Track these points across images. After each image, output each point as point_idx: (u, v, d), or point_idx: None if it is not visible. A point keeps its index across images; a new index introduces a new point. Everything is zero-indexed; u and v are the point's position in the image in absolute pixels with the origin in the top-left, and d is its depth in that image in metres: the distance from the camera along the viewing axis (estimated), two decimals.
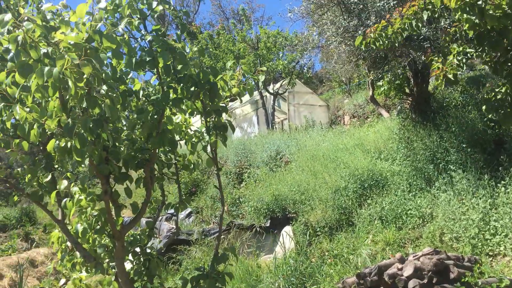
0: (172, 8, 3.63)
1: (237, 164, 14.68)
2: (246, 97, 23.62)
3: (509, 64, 4.59)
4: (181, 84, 3.42)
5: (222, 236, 10.13)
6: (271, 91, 21.02)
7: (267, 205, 10.85)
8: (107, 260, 4.02)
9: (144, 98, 3.65)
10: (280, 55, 21.40)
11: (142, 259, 4.16)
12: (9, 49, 2.67)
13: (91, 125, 2.75)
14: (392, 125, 11.48)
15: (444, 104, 10.90)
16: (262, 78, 4.14)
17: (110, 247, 3.95)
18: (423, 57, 8.86)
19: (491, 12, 3.96)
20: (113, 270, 3.91)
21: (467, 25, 4.40)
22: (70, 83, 2.45)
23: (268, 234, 10.19)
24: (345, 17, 9.07)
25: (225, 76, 3.66)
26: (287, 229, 9.92)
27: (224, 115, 3.85)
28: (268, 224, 10.53)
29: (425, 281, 4.88)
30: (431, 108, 10.76)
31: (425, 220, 8.18)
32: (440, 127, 9.84)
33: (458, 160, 8.70)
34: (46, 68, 2.36)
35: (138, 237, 4.32)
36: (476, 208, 7.42)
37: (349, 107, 20.22)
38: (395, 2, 8.58)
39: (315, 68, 33.85)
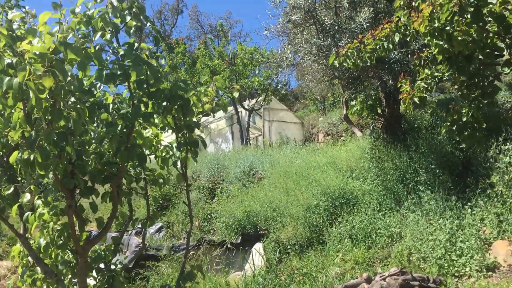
0: (148, 23, 3.62)
1: (210, 179, 14.59)
2: (221, 112, 23.58)
3: (475, 88, 4.72)
4: (153, 99, 3.39)
5: (192, 252, 9.99)
6: (247, 107, 21.08)
7: (239, 221, 10.79)
8: (69, 276, 3.91)
9: (114, 112, 3.60)
10: (256, 72, 21.52)
11: (106, 276, 4.06)
12: None
13: (55, 138, 2.69)
14: (364, 145, 11.63)
15: (415, 126, 11.11)
16: (236, 94, 4.15)
17: (73, 263, 3.85)
18: (390, 81, 9.06)
19: (459, 38, 4.08)
20: (75, 287, 3.80)
21: (436, 49, 4.52)
22: (31, 94, 2.39)
23: (239, 251, 10.11)
24: (320, 36, 9.20)
25: (198, 92, 3.64)
26: (258, 246, 9.86)
27: (196, 131, 3.83)
28: (239, 241, 10.44)
29: None
30: (402, 129, 10.95)
31: (394, 239, 8.27)
32: (410, 148, 10.00)
33: (427, 181, 8.84)
34: (7, 79, 2.31)
35: (102, 253, 4.22)
36: (443, 228, 7.54)
37: (323, 125, 20.40)
38: (368, 24, 8.76)
39: (291, 85, 34.17)
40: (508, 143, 8.02)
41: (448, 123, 4.79)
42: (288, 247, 9.20)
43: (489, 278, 6.60)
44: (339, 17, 9.59)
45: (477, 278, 6.64)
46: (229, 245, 10.28)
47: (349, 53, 5.46)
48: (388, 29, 5.22)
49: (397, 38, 5.18)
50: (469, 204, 7.90)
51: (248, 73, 21.10)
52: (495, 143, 8.03)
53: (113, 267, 4.21)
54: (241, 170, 14.04)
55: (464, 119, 4.65)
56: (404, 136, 10.57)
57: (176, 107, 3.49)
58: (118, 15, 3.33)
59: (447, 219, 7.73)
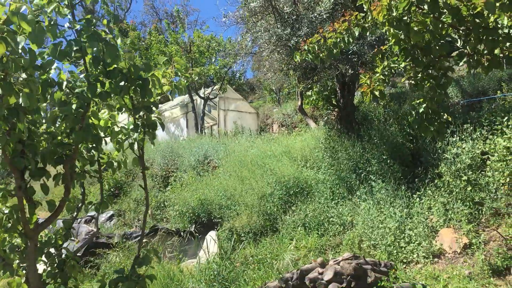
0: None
1: (164, 167, 14.40)
2: (176, 100, 23.26)
3: (428, 79, 4.86)
4: (110, 78, 3.27)
5: (145, 240, 9.85)
6: (202, 96, 20.87)
7: (193, 210, 10.73)
8: (17, 261, 3.74)
9: (68, 90, 3.45)
10: (213, 60, 21.29)
11: (56, 261, 3.92)
12: None
13: (5, 114, 2.55)
14: (319, 135, 11.79)
15: (368, 117, 11.37)
16: (195, 77, 4.09)
17: (22, 247, 3.68)
18: (350, 70, 9.22)
19: (415, 28, 4.18)
20: (24, 271, 3.64)
21: (393, 40, 4.61)
22: None
23: (192, 239, 10.06)
24: (278, 25, 9.21)
25: (157, 73, 3.55)
26: (212, 234, 9.85)
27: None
28: (192, 229, 10.40)
29: (344, 284, 5.04)
30: (356, 120, 11.18)
31: (346, 227, 8.46)
32: (363, 138, 10.24)
33: (379, 171, 9.08)
34: None
35: (53, 237, 4.07)
36: (393, 217, 7.77)
37: (278, 116, 20.55)
38: (327, 15, 8.86)
39: (247, 76, 34.11)
40: (455, 135, 8.36)
41: (409, 115, 4.91)
42: (242, 235, 9.23)
43: (435, 264, 6.88)
44: (297, 6, 9.63)
45: (424, 264, 6.90)
46: (182, 233, 10.22)
47: (310, 48, 5.51)
48: (348, 22, 5.30)
49: (356, 31, 5.26)
50: (417, 193, 8.19)
51: (204, 61, 20.87)
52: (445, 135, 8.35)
53: (63, 251, 4.06)
54: (195, 158, 13.94)
55: (421, 110, 4.78)
56: (358, 127, 10.80)
57: (134, 87, 3.39)
58: None
59: (397, 208, 7.98)
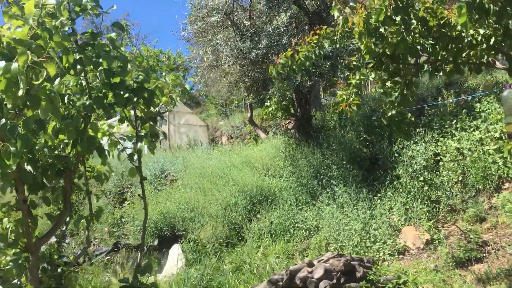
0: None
1: (118, 184, 14.10)
2: None
3: (397, 86, 5.25)
4: (115, 90, 3.34)
5: (108, 257, 9.71)
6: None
7: (155, 224, 10.61)
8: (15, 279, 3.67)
9: (70, 103, 3.48)
10: (163, 74, 21.11)
11: (54, 274, 3.89)
12: None
13: (34, 126, 2.58)
14: (278, 144, 12.07)
15: (324, 125, 11.79)
16: (188, 88, 4.23)
17: (19, 262, 3.63)
18: (309, 82, 9.60)
19: (390, 39, 4.53)
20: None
21: (365, 49, 4.96)
22: (22, 80, 2.29)
23: (156, 253, 9.97)
24: (237, 39, 9.44)
25: (161, 84, 3.66)
26: (176, 247, 9.82)
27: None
28: (156, 243, 10.31)
29: (334, 281, 5.27)
30: (313, 128, 11.58)
31: (312, 232, 8.73)
32: (322, 145, 10.61)
33: (339, 176, 9.45)
34: (2, 63, 2.19)
35: (47, 252, 4.04)
36: (357, 219, 8.14)
37: (226, 128, 20.76)
38: (284, 28, 9.21)
39: (194, 89, 34.08)
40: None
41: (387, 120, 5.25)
42: (208, 246, 9.26)
43: (401, 261, 7.29)
44: (254, 20, 9.92)
45: (391, 261, 7.29)
46: (145, 248, 10.10)
47: (283, 62, 5.80)
48: (318, 35, 5.65)
49: (326, 44, 5.60)
50: (378, 195, 8.61)
51: (155, 75, 20.60)
52: (399, 139, 8.87)
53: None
54: (152, 172, 13.80)
55: (389, 114, 5.15)
56: (316, 134, 11.18)
57: (138, 99, 3.49)
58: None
59: (360, 210, 8.35)
